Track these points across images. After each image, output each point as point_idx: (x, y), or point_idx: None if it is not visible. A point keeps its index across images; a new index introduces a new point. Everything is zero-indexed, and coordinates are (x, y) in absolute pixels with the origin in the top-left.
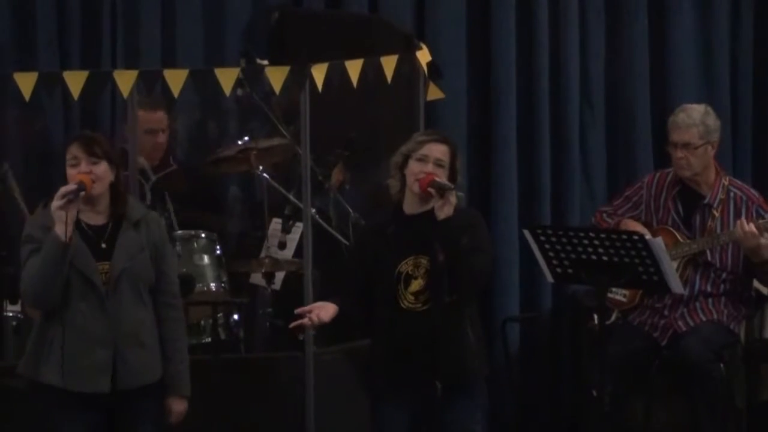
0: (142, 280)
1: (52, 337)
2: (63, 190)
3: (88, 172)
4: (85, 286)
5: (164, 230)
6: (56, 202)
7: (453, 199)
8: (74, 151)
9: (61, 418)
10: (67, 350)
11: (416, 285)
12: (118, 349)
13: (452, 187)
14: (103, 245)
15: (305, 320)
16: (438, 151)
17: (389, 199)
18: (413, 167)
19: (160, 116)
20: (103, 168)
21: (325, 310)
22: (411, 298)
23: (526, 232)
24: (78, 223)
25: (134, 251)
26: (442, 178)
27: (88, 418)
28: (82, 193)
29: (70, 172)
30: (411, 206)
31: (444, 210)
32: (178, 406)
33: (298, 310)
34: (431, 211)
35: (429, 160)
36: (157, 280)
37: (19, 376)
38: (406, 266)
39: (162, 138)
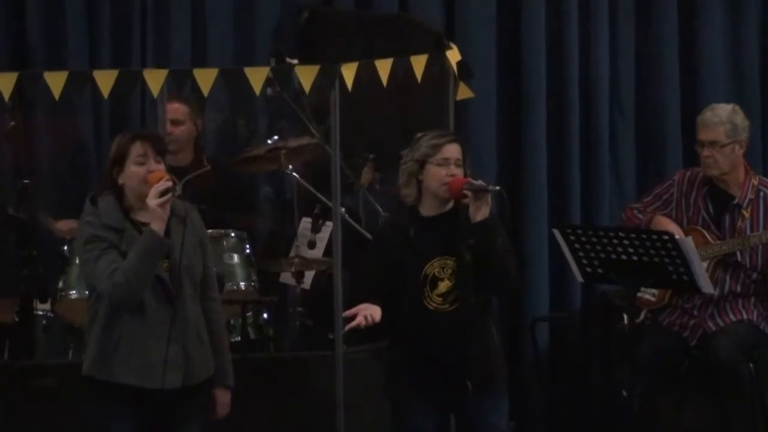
0: (196, 275)
1: (119, 335)
2: (161, 187)
3: (156, 170)
4: (154, 283)
5: (203, 225)
6: (156, 200)
7: (490, 201)
8: (144, 148)
9: (118, 413)
10: (138, 347)
11: (443, 286)
12: (185, 346)
13: (493, 188)
14: (170, 239)
15: (360, 320)
16: (456, 151)
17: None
18: (436, 173)
19: (175, 107)
20: (163, 166)
21: (374, 310)
22: (438, 299)
23: (556, 232)
24: (132, 221)
25: (189, 247)
26: (465, 178)
27: (141, 413)
28: (178, 190)
29: (137, 169)
30: (429, 209)
31: (481, 211)
32: (224, 397)
33: (346, 313)
34: (450, 212)
35: (450, 162)
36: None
37: (88, 377)
38: (432, 268)
39: (177, 131)
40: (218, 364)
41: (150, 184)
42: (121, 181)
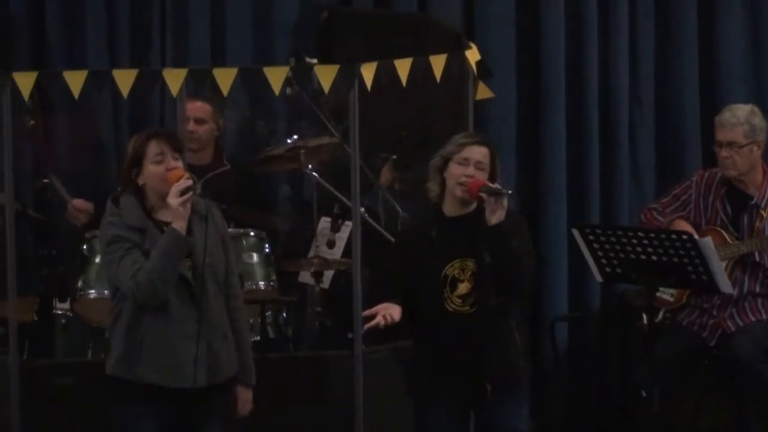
0: (220, 273)
1: (143, 334)
2: (181, 186)
3: (175, 167)
4: (177, 282)
5: (225, 222)
6: (176, 199)
7: (506, 204)
8: (160, 147)
9: (139, 412)
10: (163, 346)
11: (463, 288)
12: (210, 343)
13: (507, 192)
14: (191, 237)
15: (379, 319)
16: (478, 153)
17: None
18: (454, 171)
19: (198, 106)
20: (181, 164)
21: (394, 310)
22: (458, 301)
23: (575, 232)
24: (154, 221)
25: (211, 245)
26: (484, 181)
27: (164, 412)
28: (198, 188)
29: (156, 168)
30: (451, 209)
31: (497, 215)
32: (246, 395)
33: (365, 313)
34: (473, 214)
35: (470, 162)
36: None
37: (112, 377)
38: (452, 269)
39: (200, 129)
40: (240, 361)
41: (170, 182)
42: (140, 181)
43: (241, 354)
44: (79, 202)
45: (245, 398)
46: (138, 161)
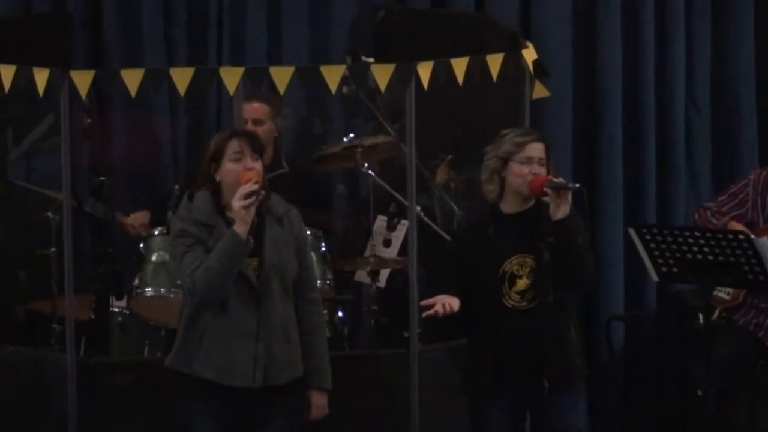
0: (288, 276)
1: (202, 330)
2: (246, 190)
3: (252, 168)
4: (239, 281)
5: (304, 226)
6: (240, 202)
7: (570, 198)
8: (240, 146)
9: (200, 409)
10: (220, 343)
11: (522, 284)
12: (268, 344)
13: (573, 186)
14: (251, 241)
15: (438, 308)
16: (539, 150)
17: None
18: (518, 170)
19: (256, 107)
20: (260, 165)
21: (452, 300)
22: (516, 297)
23: (632, 231)
24: (226, 219)
25: (281, 247)
26: (546, 176)
27: (221, 409)
28: (263, 193)
29: (233, 166)
30: (511, 206)
31: (562, 209)
32: (320, 400)
33: (423, 303)
34: (532, 210)
35: (534, 160)
36: (298, 275)
37: (169, 370)
38: (510, 266)
39: (258, 130)
40: (314, 366)
41: (241, 182)
42: (218, 177)
43: (314, 358)
44: (133, 218)
45: (319, 403)
46: (218, 157)
